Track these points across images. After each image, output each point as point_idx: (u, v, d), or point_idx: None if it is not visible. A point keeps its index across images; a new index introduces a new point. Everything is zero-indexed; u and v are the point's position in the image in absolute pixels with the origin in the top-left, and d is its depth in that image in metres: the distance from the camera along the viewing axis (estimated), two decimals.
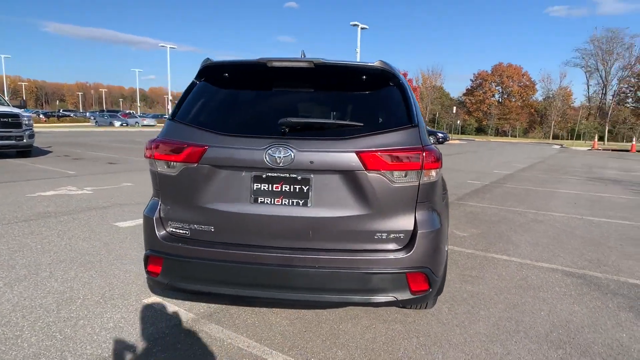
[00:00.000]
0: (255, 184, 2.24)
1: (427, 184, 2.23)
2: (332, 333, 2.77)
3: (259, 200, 2.25)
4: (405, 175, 2.17)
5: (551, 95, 73.42)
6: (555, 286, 3.69)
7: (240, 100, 2.53)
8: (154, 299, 3.18)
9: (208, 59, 2.47)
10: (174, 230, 2.37)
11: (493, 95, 79.44)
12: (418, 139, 2.22)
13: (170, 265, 2.34)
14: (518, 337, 2.77)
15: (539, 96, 78.09)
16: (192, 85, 2.55)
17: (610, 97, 61.46)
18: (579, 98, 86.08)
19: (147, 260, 2.43)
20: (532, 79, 76.99)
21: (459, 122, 74.67)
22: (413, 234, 2.23)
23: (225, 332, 2.74)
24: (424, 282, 2.22)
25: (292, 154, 2.15)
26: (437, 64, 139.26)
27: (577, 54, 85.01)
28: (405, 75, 51.80)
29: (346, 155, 2.15)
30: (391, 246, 2.23)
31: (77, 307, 3.01)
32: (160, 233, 2.37)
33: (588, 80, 68.02)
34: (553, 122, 68.89)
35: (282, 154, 2.15)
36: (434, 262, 2.26)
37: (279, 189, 2.23)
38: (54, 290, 3.27)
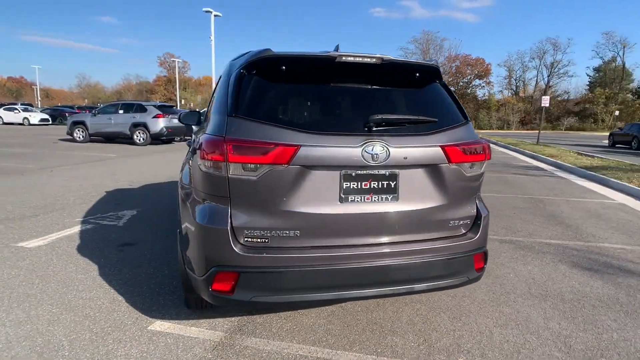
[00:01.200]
0: (344, 183, 2.17)
1: (483, 174, 2.50)
2: (372, 322, 2.85)
3: (349, 199, 2.19)
4: (473, 167, 2.40)
5: None
6: (503, 252, 4.43)
7: (311, 95, 2.38)
8: (161, 323, 2.76)
9: (268, 49, 2.24)
10: (250, 239, 2.12)
11: None
12: (474, 132, 2.47)
13: (248, 280, 2.09)
14: (511, 297, 3.30)
15: None
16: (242, 76, 2.29)
17: None
18: None
19: (211, 278, 2.12)
20: None
21: None
22: (476, 218, 2.49)
23: (273, 343, 2.57)
24: (483, 261, 2.50)
25: (387, 151, 2.17)
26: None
27: (402, 52, 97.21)
28: None
29: (433, 150, 2.27)
30: (462, 231, 2.45)
31: (69, 352, 2.42)
32: (235, 244, 2.09)
33: None
34: None
35: (377, 150, 2.15)
36: (486, 242, 2.56)
37: (368, 186, 2.21)
38: (15, 337, 2.54)
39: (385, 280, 2.24)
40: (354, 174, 2.17)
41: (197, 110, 5.19)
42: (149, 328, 2.70)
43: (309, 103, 2.34)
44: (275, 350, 2.51)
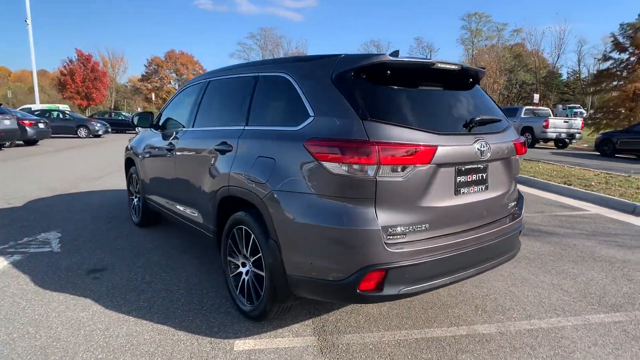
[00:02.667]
0: (458, 177, 2.42)
1: None
2: (428, 302, 3.18)
3: (461, 192, 2.45)
4: (522, 157, 2.93)
5: None
6: None
7: (421, 98, 2.49)
8: (242, 342, 2.58)
9: (384, 54, 2.30)
10: (391, 237, 2.19)
11: (170, 82, 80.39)
12: None
13: (395, 275, 2.18)
14: None
15: None
16: (354, 80, 2.31)
17: None
18: None
19: (360, 279, 2.14)
20: (205, 68, 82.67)
21: (138, 109, 72.03)
22: (518, 199, 3.03)
23: (365, 335, 2.69)
24: (519, 236, 3.07)
25: (489, 147, 2.51)
26: (119, 47, 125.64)
27: (240, 47, 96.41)
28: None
29: (510, 145, 2.73)
30: (516, 212, 2.95)
31: None
32: (383, 243, 2.15)
33: None
34: None
35: (485, 147, 2.48)
36: None
37: (471, 179, 2.50)
38: None
39: (484, 259, 2.61)
40: (463, 168, 2.46)
41: (149, 111, 4.61)
42: (236, 350, 2.50)
43: (422, 106, 2.49)
44: (374, 341, 2.63)
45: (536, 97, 33.41)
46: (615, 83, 24.05)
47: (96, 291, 3.25)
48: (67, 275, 3.55)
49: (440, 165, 2.32)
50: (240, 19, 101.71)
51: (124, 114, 33.99)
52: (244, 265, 2.92)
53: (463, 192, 2.48)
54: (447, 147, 2.31)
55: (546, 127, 18.52)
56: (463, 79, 2.78)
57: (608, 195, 6.87)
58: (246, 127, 2.91)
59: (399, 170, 2.17)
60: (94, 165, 10.85)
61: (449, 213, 2.42)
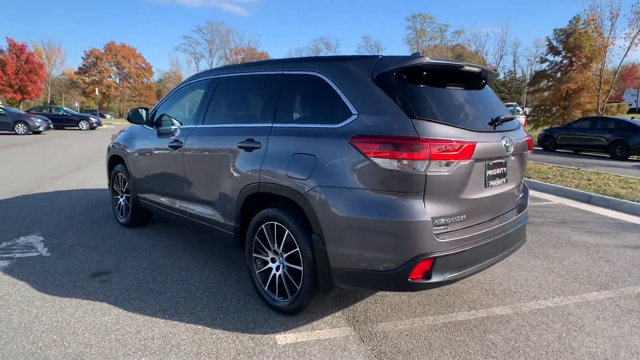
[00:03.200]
0: (487, 171, 2.60)
1: None
2: (447, 287, 3.36)
3: (489, 184, 2.63)
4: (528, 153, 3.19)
5: (164, 78, 78.54)
6: None
7: (453, 97, 2.61)
8: (283, 336, 2.61)
9: (423, 56, 2.40)
10: (437, 227, 2.32)
11: (110, 76, 76.14)
12: None
13: (442, 263, 2.31)
14: None
15: (156, 78, 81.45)
16: (396, 79, 2.41)
17: None
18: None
19: (412, 268, 2.25)
20: (147, 61, 79.11)
21: (76, 104, 67.73)
22: (524, 191, 3.28)
23: (398, 323, 2.81)
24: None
25: (512, 143, 2.72)
26: (55, 37, 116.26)
27: (185, 40, 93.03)
28: None
29: (525, 141, 2.98)
30: (525, 203, 3.19)
31: None
32: (433, 234, 2.27)
33: (197, 66, 77.11)
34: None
35: (509, 143, 2.69)
36: None
37: (496, 173, 2.69)
38: None
39: (506, 247, 2.81)
40: (491, 163, 2.64)
41: (145, 108, 4.41)
42: (280, 344, 2.53)
43: (455, 105, 2.62)
44: (407, 328, 2.76)
45: None
46: (550, 83, 26.02)
47: (110, 295, 3.12)
48: (69, 280, 3.36)
49: (476, 160, 2.49)
50: (183, 11, 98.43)
51: (64, 108, 31.75)
52: (273, 261, 2.93)
53: (491, 185, 2.67)
54: (483, 144, 2.49)
55: None
56: (480, 79, 2.97)
57: (566, 187, 7.51)
58: (274, 125, 2.92)
59: (446, 165, 2.31)
60: (50, 165, 10.13)
61: (480, 204, 2.60)
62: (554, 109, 24.91)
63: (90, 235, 4.52)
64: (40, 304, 2.96)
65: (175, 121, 4.02)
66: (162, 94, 74.88)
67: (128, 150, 4.60)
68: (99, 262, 3.75)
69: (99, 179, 7.92)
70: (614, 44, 21.03)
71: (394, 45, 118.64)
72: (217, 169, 3.30)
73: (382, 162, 2.28)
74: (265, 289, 2.96)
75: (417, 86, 2.49)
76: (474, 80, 2.92)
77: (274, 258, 2.93)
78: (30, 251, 4.00)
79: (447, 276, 2.37)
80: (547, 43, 25.83)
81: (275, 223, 2.82)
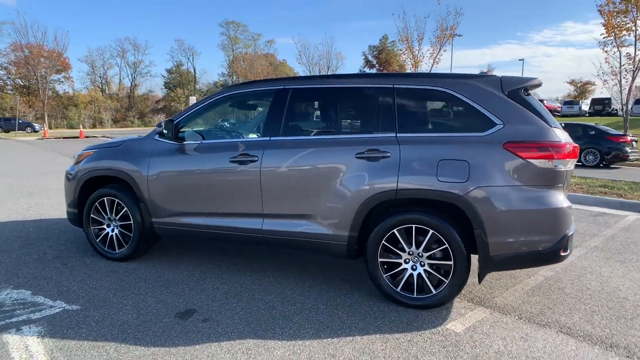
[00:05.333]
0: None
1: None
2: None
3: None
4: None
5: None
6: None
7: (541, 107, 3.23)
8: (454, 324, 2.89)
9: (537, 78, 3.03)
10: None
11: None
12: None
13: (569, 239, 3.00)
14: None
15: None
16: (519, 94, 3.02)
17: None
18: None
19: (562, 244, 2.89)
20: None
21: None
22: None
23: (526, 300, 3.39)
24: None
25: None
26: None
27: None
28: None
29: None
30: None
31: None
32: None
33: None
34: None
35: None
36: None
37: None
38: None
39: None
40: None
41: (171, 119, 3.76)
42: (457, 331, 2.79)
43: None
44: (516, 296, 3.37)
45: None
46: None
47: (255, 330, 2.78)
48: (166, 327, 2.80)
49: None
50: None
51: None
52: (406, 262, 3.12)
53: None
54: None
55: None
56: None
57: None
58: (399, 134, 3.13)
59: (570, 162, 3.03)
60: None
61: None
62: None
63: (100, 276, 3.63)
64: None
65: (233, 134, 3.66)
66: None
67: (141, 169, 3.85)
68: (177, 304, 3.16)
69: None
70: (422, 61, 24.97)
71: (209, 50, 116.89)
72: (322, 181, 3.26)
73: (540, 163, 2.85)
74: (398, 289, 3.13)
75: (535, 99, 3.15)
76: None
77: (407, 259, 3.13)
78: (47, 309, 3.05)
79: (570, 249, 3.10)
80: (364, 57, 30.12)
81: (413, 226, 3.04)
